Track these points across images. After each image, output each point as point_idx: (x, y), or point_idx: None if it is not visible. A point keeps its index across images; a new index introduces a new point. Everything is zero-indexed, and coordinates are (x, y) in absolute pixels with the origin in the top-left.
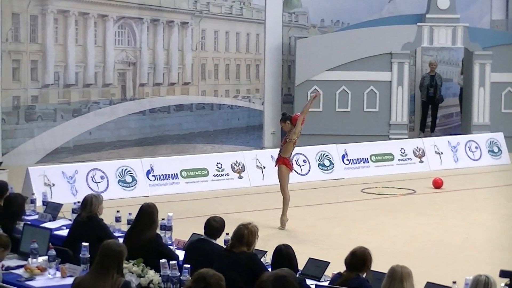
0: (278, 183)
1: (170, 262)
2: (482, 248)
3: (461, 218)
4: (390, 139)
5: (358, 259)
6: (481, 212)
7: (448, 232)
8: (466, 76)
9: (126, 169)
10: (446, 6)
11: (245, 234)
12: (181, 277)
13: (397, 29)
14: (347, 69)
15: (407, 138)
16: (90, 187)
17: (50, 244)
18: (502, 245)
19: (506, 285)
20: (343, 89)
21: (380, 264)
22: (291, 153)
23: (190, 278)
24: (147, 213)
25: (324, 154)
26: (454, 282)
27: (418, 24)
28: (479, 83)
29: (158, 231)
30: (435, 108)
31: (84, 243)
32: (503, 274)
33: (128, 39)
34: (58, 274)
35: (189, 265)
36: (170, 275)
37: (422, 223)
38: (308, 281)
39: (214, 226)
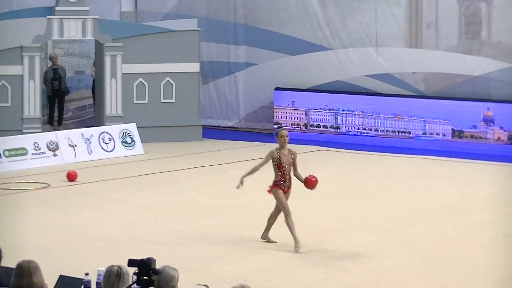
0: None
1: None
2: (114, 239)
3: (96, 209)
4: (23, 133)
5: None
6: (113, 203)
7: (81, 224)
8: (98, 68)
9: None
10: None
11: None
12: None
13: (27, 22)
14: None
15: (40, 132)
16: None
17: None
18: (130, 236)
19: (134, 273)
20: None
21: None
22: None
23: None
24: None
25: None
26: (87, 274)
27: (48, 17)
28: (111, 75)
29: None
30: (62, 101)
31: None
32: (131, 263)
33: None
34: None
35: None
36: None
37: (57, 216)
38: None
39: None
